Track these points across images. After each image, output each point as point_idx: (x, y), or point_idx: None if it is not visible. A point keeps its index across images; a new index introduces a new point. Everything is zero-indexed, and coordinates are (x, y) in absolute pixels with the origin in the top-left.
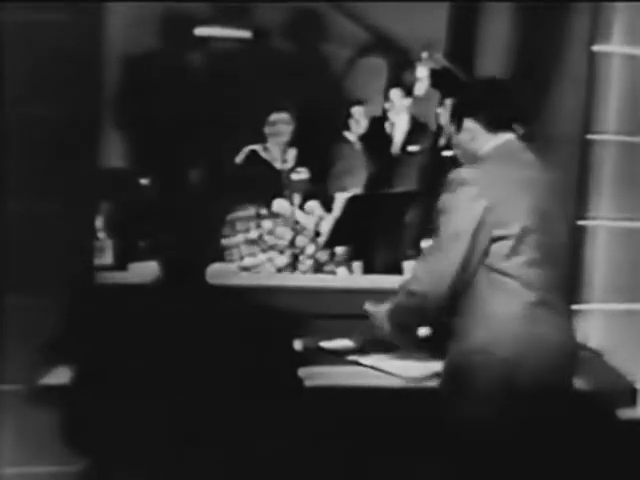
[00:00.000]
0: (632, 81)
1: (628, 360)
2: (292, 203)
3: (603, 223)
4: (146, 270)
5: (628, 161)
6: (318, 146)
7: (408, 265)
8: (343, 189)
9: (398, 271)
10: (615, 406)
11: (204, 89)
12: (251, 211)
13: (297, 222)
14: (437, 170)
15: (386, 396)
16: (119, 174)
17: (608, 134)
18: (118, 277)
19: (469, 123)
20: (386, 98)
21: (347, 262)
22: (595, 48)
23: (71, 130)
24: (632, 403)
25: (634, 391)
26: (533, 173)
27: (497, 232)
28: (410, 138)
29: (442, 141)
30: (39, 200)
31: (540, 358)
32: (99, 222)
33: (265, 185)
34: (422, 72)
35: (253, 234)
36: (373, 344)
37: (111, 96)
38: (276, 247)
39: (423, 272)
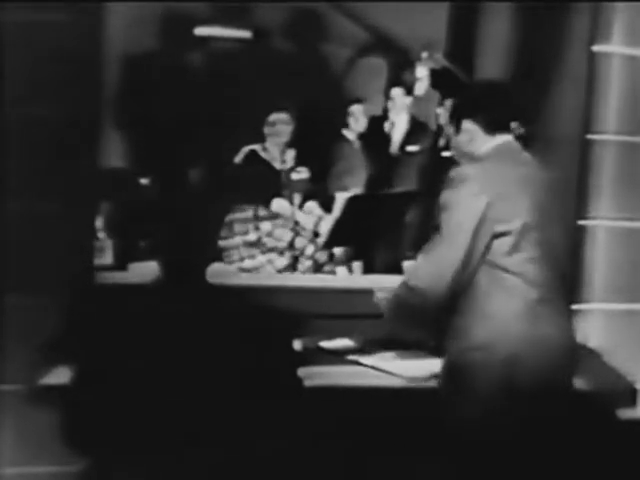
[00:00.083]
0: (632, 81)
1: (628, 360)
2: (292, 203)
3: (603, 223)
4: (146, 270)
5: (628, 161)
6: (318, 146)
7: (408, 265)
8: (343, 189)
9: (398, 271)
10: (615, 406)
11: (204, 89)
12: (249, 212)
13: (297, 222)
14: (437, 170)
15: (386, 396)
16: (119, 174)
17: (608, 134)
18: (118, 277)
19: (468, 124)
20: (387, 97)
21: (347, 262)
22: (595, 48)
23: (71, 130)
24: (632, 403)
25: (634, 391)
26: (531, 172)
27: (498, 228)
28: (409, 138)
29: (442, 141)
30: (39, 200)
31: (540, 357)
32: (99, 222)
33: (265, 185)
34: (422, 72)
35: (252, 236)
36: (373, 344)
37: (111, 96)
38: (275, 249)
39: (424, 268)
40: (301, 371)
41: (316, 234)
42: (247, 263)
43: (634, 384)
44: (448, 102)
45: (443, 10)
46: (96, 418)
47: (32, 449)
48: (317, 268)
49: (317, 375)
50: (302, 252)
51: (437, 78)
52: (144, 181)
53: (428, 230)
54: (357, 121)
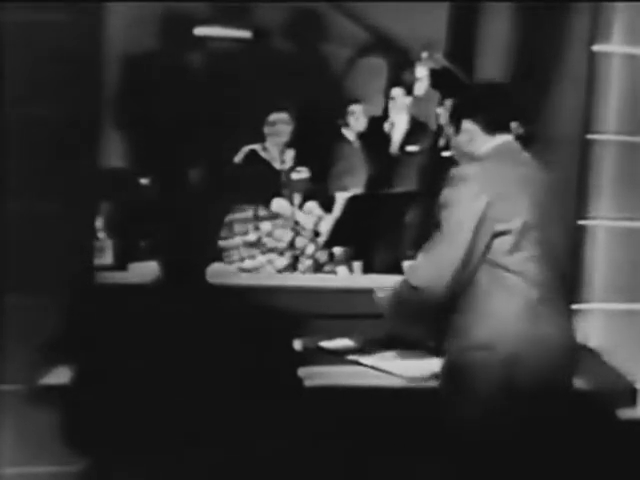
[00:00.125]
0: (632, 81)
1: (628, 360)
2: (292, 203)
3: (603, 223)
4: (146, 270)
5: (628, 161)
6: (318, 146)
7: (408, 265)
8: (343, 189)
9: (398, 271)
10: (615, 406)
11: (204, 89)
12: (249, 212)
13: (297, 222)
14: (437, 170)
15: (386, 396)
16: (119, 174)
17: (608, 134)
18: (118, 277)
19: (468, 125)
20: (388, 97)
21: (347, 261)
22: (595, 48)
23: (71, 130)
24: (632, 403)
25: (634, 391)
26: (531, 172)
27: (499, 227)
28: (409, 138)
29: (442, 141)
30: (39, 200)
31: (540, 357)
32: (99, 222)
33: (265, 184)
34: (422, 72)
35: (252, 237)
36: (373, 344)
37: (111, 96)
38: (275, 249)
39: (424, 267)
40: (301, 371)
41: (316, 234)
42: (247, 263)
43: (634, 384)
44: (448, 102)
45: (443, 10)
46: (96, 418)
47: (32, 449)
48: (317, 268)
49: (317, 375)
50: (302, 252)
51: (437, 78)
52: (144, 181)
53: (428, 230)
54: (357, 120)
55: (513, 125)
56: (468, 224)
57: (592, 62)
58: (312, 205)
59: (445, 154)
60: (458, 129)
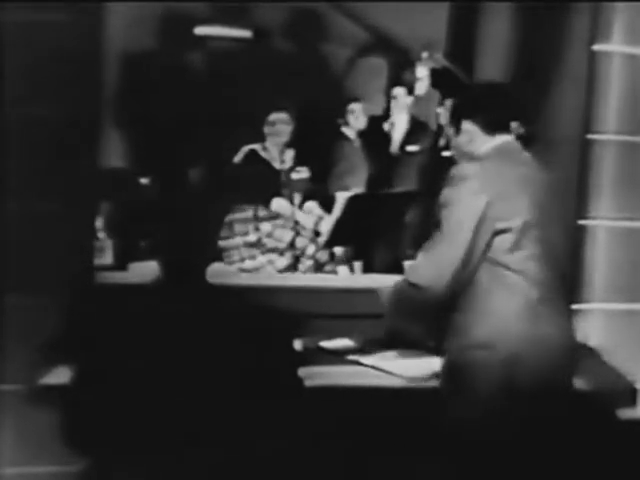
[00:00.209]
0: (632, 81)
1: (628, 360)
2: (292, 203)
3: (603, 223)
4: (146, 270)
5: (628, 161)
6: (318, 145)
7: (408, 264)
8: (344, 188)
9: (398, 271)
10: (615, 406)
11: (204, 89)
12: (249, 213)
13: (297, 222)
14: (437, 170)
15: (386, 396)
16: (119, 174)
17: (608, 134)
18: (118, 277)
19: (467, 125)
20: (388, 96)
21: (348, 261)
22: (595, 48)
23: (71, 130)
24: (632, 403)
25: (634, 391)
26: (530, 172)
27: (499, 225)
28: (409, 138)
29: (442, 141)
30: (39, 200)
31: (540, 357)
32: (99, 222)
33: (264, 184)
34: (422, 72)
35: (252, 237)
36: (373, 344)
37: (111, 96)
38: (276, 250)
39: (424, 266)
40: (301, 371)
41: (317, 233)
42: (247, 264)
43: (634, 384)
44: (448, 102)
45: (443, 10)
46: (96, 418)
47: (32, 449)
48: (318, 267)
49: (317, 375)
50: (303, 252)
51: (437, 78)
52: (144, 181)
53: (428, 230)
54: (357, 119)
55: (513, 125)
56: (468, 223)
57: (592, 62)
58: (312, 205)
59: (445, 154)
60: (458, 130)
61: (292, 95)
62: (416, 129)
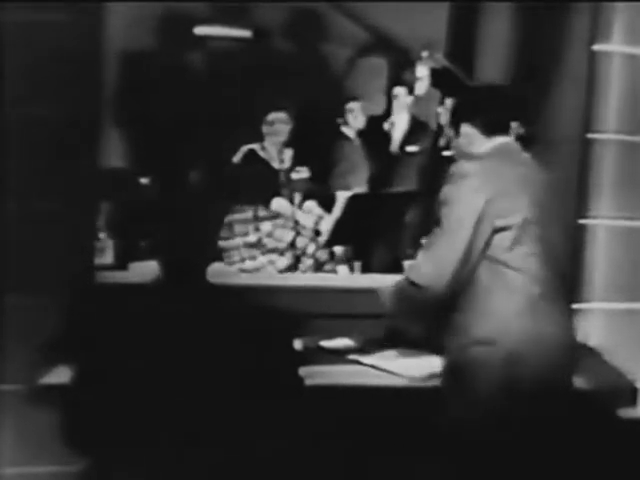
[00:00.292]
0: (632, 81)
1: (628, 359)
2: (292, 202)
3: (603, 222)
4: (146, 270)
5: (628, 160)
6: (317, 145)
7: (408, 264)
8: (344, 188)
9: (398, 270)
10: (615, 405)
11: (204, 89)
12: (249, 213)
13: (297, 222)
14: (437, 170)
15: (387, 395)
16: (119, 174)
17: (608, 133)
18: (118, 277)
19: (466, 128)
20: (389, 96)
21: (347, 261)
22: (595, 48)
23: (71, 130)
24: (632, 403)
25: (634, 390)
26: (530, 172)
27: (499, 222)
28: (409, 138)
29: (442, 141)
30: (39, 200)
31: (541, 355)
32: (100, 222)
33: (264, 184)
34: (422, 72)
35: (252, 238)
36: (373, 343)
37: (111, 96)
38: (276, 250)
39: (424, 264)
40: (302, 370)
41: (317, 233)
42: (248, 264)
43: (634, 383)
44: (448, 101)
45: (443, 10)
46: (96, 418)
47: (32, 449)
48: (318, 267)
49: (318, 374)
50: (304, 252)
51: (437, 78)
52: (144, 181)
53: (428, 230)
54: (355, 118)
55: (513, 125)
56: (468, 221)
57: (592, 62)
58: (311, 204)
59: (445, 154)
60: (458, 132)
61: (292, 95)
62: (416, 129)
